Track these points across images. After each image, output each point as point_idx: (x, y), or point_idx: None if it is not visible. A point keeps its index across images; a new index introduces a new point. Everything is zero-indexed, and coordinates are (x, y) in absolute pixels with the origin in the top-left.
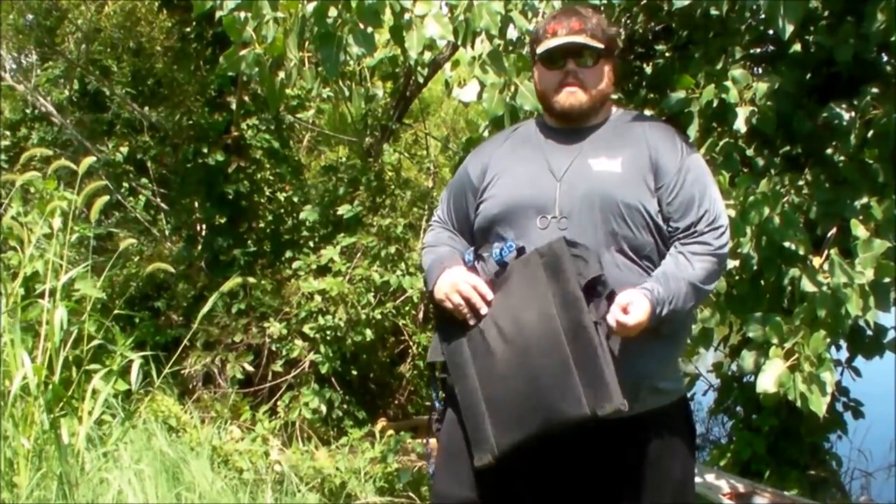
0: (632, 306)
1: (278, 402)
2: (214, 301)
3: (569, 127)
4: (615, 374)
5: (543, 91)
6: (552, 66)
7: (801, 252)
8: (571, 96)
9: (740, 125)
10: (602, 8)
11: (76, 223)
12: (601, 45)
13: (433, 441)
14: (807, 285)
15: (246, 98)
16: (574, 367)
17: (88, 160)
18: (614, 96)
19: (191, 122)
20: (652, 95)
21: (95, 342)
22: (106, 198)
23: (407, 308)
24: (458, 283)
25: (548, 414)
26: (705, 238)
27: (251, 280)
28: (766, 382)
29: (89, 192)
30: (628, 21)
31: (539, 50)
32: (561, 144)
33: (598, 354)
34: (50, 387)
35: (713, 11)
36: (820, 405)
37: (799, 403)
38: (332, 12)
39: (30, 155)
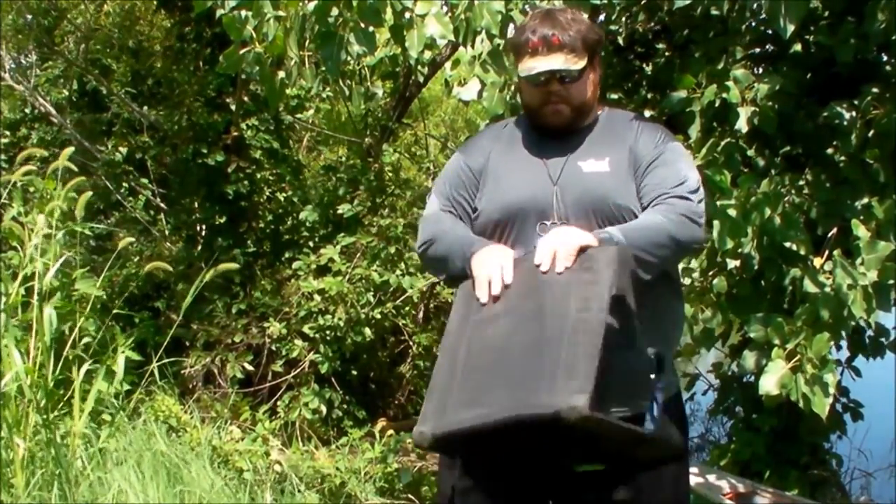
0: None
1: (278, 402)
2: (199, 285)
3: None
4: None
5: (528, 104)
6: (535, 86)
7: (802, 252)
8: (556, 115)
9: (742, 125)
10: (602, 8)
11: (65, 220)
12: (583, 62)
13: None
14: (808, 286)
15: (245, 98)
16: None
17: (67, 151)
18: (614, 96)
19: (190, 122)
20: (652, 95)
21: (86, 340)
22: (89, 193)
23: (407, 308)
24: (495, 261)
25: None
26: (673, 194)
27: (236, 266)
28: (769, 384)
29: (71, 188)
30: (628, 21)
31: (520, 70)
32: (554, 147)
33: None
34: (42, 386)
35: (714, 11)
36: (822, 407)
37: (801, 404)
38: (333, 11)
39: (26, 155)
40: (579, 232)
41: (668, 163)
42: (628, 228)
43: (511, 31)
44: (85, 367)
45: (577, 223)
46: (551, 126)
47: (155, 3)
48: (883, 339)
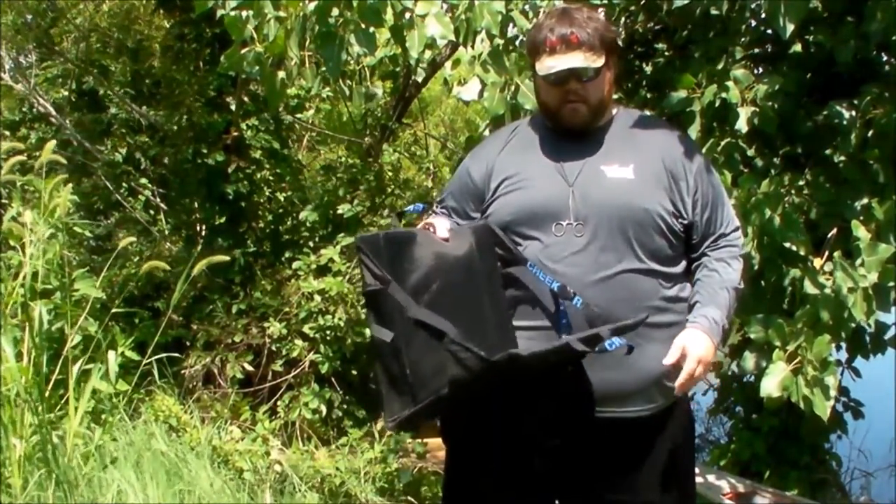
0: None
1: (278, 402)
2: (185, 279)
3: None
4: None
5: (545, 103)
6: (554, 85)
7: (802, 253)
8: (575, 114)
9: (742, 125)
10: (602, 8)
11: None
12: (601, 60)
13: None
14: (808, 287)
15: (245, 98)
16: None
17: (50, 145)
18: (615, 96)
19: (190, 122)
20: (652, 95)
21: (79, 339)
22: (70, 187)
23: None
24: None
25: None
26: (730, 239)
27: (227, 258)
28: (770, 386)
29: (57, 185)
30: (628, 21)
31: (539, 70)
32: (569, 148)
33: None
34: (37, 385)
35: (713, 11)
36: (824, 408)
37: (802, 406)
38: (334, 11)
39: (10, 148)
40: (707, 341)
41: (711, 183)
42: (724, 308)
43: (511, 31)
44: (78, 365)
45: (598, 225)
46: (569, 126)
47: (154, 2)
48: (883, 336)
